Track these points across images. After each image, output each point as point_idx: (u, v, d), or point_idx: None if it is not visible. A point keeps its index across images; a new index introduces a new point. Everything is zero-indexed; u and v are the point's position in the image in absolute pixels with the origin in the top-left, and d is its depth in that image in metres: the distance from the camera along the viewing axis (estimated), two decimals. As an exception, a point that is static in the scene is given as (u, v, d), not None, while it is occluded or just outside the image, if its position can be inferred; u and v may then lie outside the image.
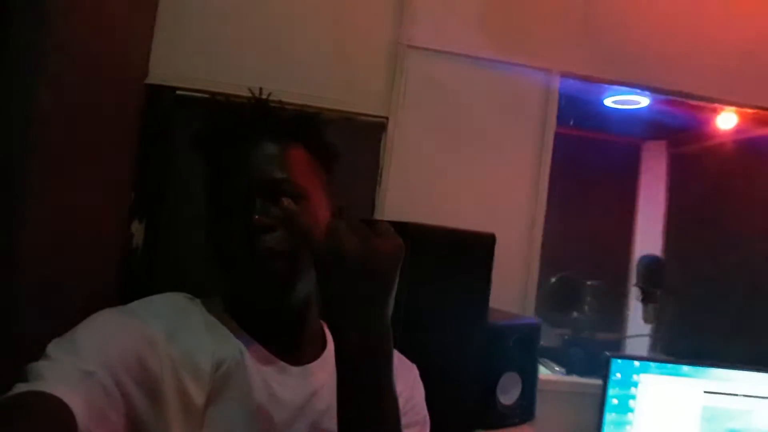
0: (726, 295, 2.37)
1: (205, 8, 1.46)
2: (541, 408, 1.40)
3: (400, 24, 1.49)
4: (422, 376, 0.90)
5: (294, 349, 0.74)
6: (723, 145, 2.66)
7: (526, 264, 1.56)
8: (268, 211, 0.68)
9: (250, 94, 0.77)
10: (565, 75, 1.58)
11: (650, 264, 2.28)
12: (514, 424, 1.36)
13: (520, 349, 1.33)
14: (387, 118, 1.49)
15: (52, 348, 0.60)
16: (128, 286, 1.38)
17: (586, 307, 1.98)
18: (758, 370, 1.57)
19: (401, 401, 0.68)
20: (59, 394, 0.53)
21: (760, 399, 1.55)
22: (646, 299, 2.15)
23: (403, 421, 0.68)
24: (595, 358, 1.94)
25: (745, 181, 2.57)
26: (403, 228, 1.14)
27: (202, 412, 0.64)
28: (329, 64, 1.49)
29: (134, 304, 0.69)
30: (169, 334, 0.65)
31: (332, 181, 0.80)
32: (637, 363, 1.50)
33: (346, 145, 1.44)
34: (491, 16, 1.53)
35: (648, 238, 2.95)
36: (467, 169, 1.54)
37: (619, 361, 1.50)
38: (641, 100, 2.04)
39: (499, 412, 1.33)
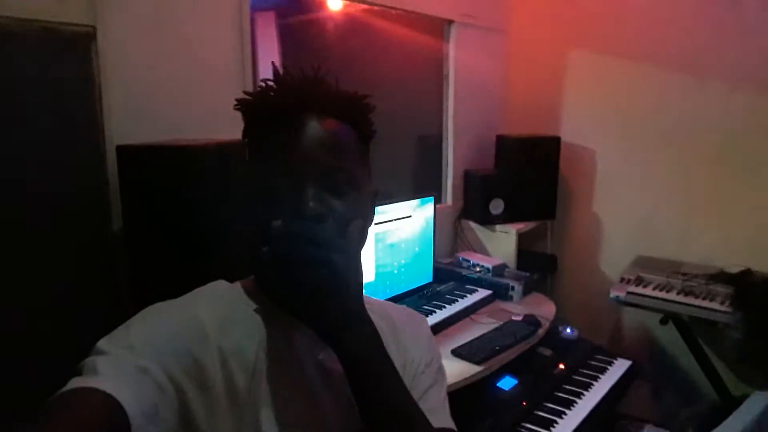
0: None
1: None
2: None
3: None
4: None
5: None
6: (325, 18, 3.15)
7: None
8: (322, 199, 0.65)
9: None
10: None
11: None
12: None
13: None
14: (94, 27, 1.38)
15: (105, 343, 0.59)
16: None
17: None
18: (399, 201, 2.26)
19: (423, 364, 0.77)
20: (112, 391, 0.53)
21: (403, 219, 2.27)
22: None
23: (428, 381, 0.78)
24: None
25: (343, 46, 3.19)
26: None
27: (254, 403, 0.64)
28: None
29: (183, 299, 0.68)
30: (219, 327, 0.65)
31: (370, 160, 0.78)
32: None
33: (51, 60, 1.33)
34: None
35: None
36: (184, 74, 1.59)
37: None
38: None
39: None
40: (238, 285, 0.74)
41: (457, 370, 1.76)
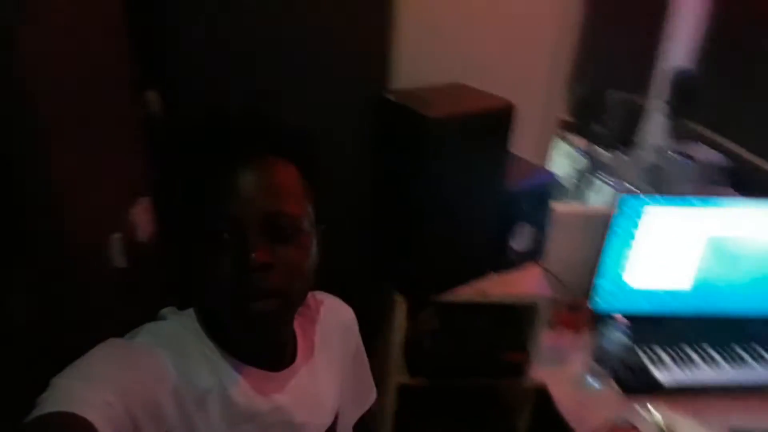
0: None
1: None
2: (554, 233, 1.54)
3: None
4: (449, 238, 1.28)
5: (280, 356, 0.75)
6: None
7: (546, 118, 1.54)
8: (266, 247, 0.62)
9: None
10: None
11: (684, 78, 2.09)
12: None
13: (533, 205, 1.41)
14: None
15: (67, 376, 0.57)
16: (152, 154, 1.41)
17: (608, 119, 1.91)
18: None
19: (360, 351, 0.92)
20: (90, 417, 0.52)
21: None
22: (674, 114, 2.04)
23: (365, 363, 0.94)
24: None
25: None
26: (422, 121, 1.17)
27: None
28: None
29: (140, 337, 0.67)
30: (177, 370, 0.64)
31: (316, 197, 0.73)
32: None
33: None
34: None
35: (680, 48, 2.48)
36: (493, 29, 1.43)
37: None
38: None
39: (510, 257, 1.49)
40: (182, 323, 0.70)
41: None
